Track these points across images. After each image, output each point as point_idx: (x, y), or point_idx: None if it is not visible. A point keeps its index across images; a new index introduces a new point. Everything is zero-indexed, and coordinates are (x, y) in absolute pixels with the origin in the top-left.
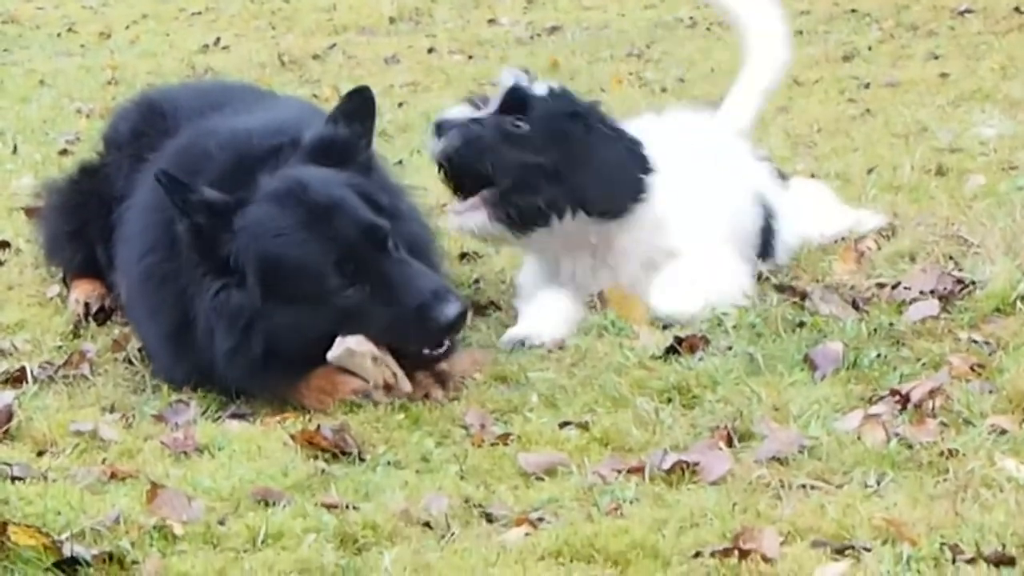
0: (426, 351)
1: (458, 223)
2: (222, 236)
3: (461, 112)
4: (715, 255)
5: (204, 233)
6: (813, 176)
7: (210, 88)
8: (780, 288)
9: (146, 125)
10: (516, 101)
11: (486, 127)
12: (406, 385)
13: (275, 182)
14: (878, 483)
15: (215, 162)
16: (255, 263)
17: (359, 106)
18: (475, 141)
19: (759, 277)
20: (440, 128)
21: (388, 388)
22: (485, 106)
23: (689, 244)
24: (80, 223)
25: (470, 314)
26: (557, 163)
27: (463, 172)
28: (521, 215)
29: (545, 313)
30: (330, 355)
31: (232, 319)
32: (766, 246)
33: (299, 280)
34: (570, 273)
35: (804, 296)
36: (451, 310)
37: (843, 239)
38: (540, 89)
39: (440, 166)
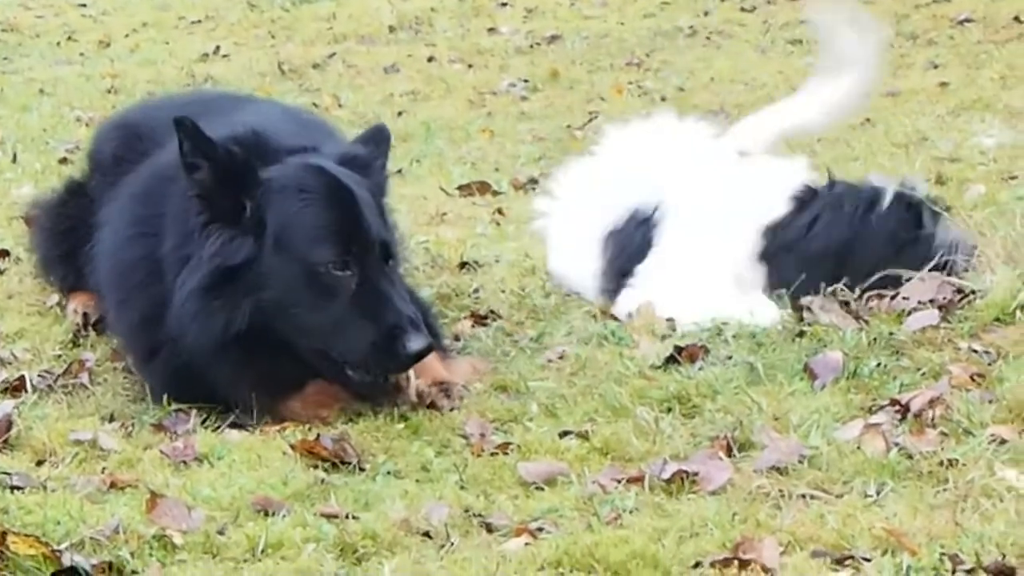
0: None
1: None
2: (245, 186)
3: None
4: None
5: (224, 182)
6: None
7: (188, 101)
8: (780, 297)
9: (126, 149)
10: None
11: None
12: (412, 396)
13: (304, 160)
14: (878, 493)
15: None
16: (275, 214)
17: (375, 135)
18: None
19: None
20: None
21: (398, 390)
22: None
23: None
24: (69, 247)
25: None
26: None
27: None
28: None
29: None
30: None
31: (228, 267)
32: None
33: (306, 239)
34: None
35: (804, 306)
36: (418, 343)
37: None
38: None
39: None
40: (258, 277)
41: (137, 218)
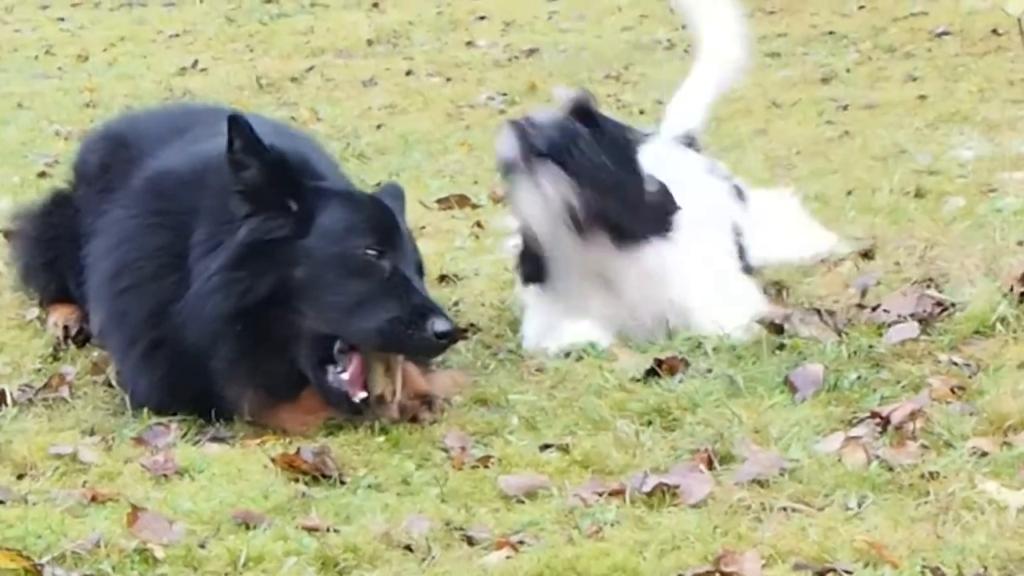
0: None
1: None
2: (292, 190)
3: None
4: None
5: (273, 183)
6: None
7: (174, 113)
8: None
9: (112, 158)
10: None
11: None
12: (394, 410)
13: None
14: (859, 505)
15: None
16: (320, 210)
17: (391, 191)
18: None
19: None
20: None
21: (381, 401)
22: None
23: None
24: (53, 256)
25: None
26: None
27: None
28: None
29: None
30: None
31: (264, 240)
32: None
33: (347, 229)
34: None
35: (784, 318)
36: (444, 325)
37: (823, 260)
38: None
39: None
40: (291, 254)
41: (152, 210)
